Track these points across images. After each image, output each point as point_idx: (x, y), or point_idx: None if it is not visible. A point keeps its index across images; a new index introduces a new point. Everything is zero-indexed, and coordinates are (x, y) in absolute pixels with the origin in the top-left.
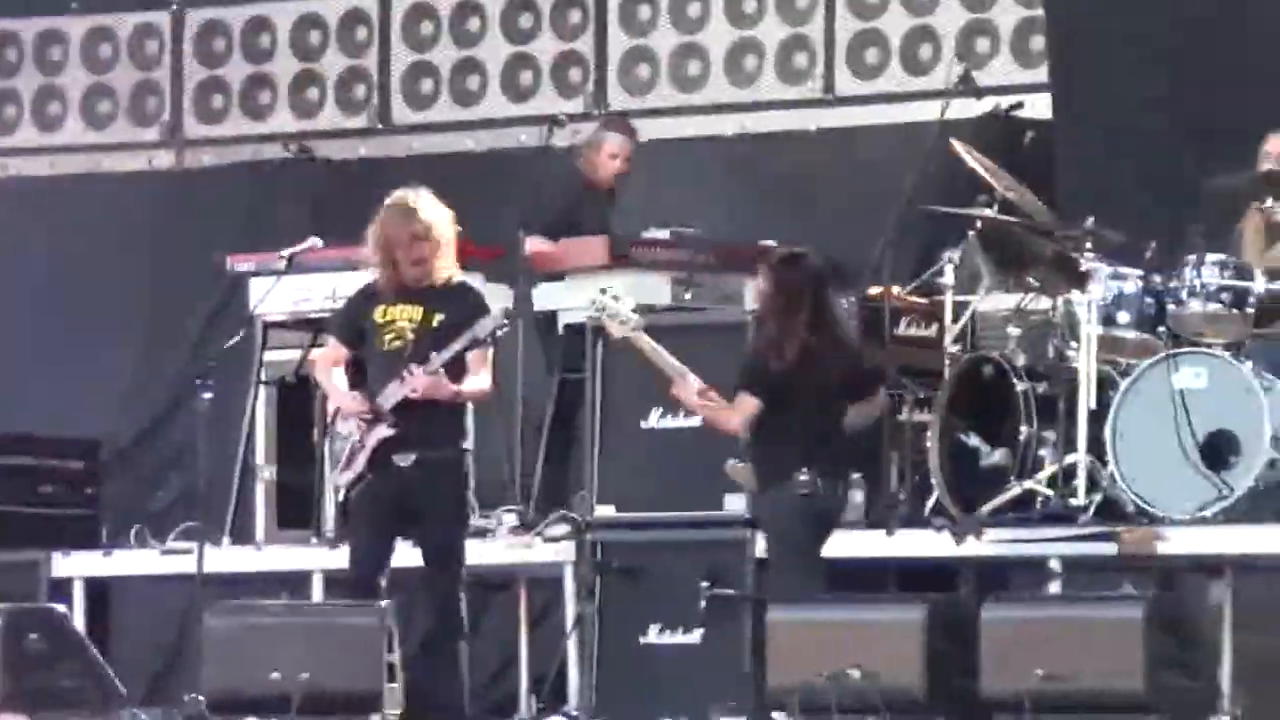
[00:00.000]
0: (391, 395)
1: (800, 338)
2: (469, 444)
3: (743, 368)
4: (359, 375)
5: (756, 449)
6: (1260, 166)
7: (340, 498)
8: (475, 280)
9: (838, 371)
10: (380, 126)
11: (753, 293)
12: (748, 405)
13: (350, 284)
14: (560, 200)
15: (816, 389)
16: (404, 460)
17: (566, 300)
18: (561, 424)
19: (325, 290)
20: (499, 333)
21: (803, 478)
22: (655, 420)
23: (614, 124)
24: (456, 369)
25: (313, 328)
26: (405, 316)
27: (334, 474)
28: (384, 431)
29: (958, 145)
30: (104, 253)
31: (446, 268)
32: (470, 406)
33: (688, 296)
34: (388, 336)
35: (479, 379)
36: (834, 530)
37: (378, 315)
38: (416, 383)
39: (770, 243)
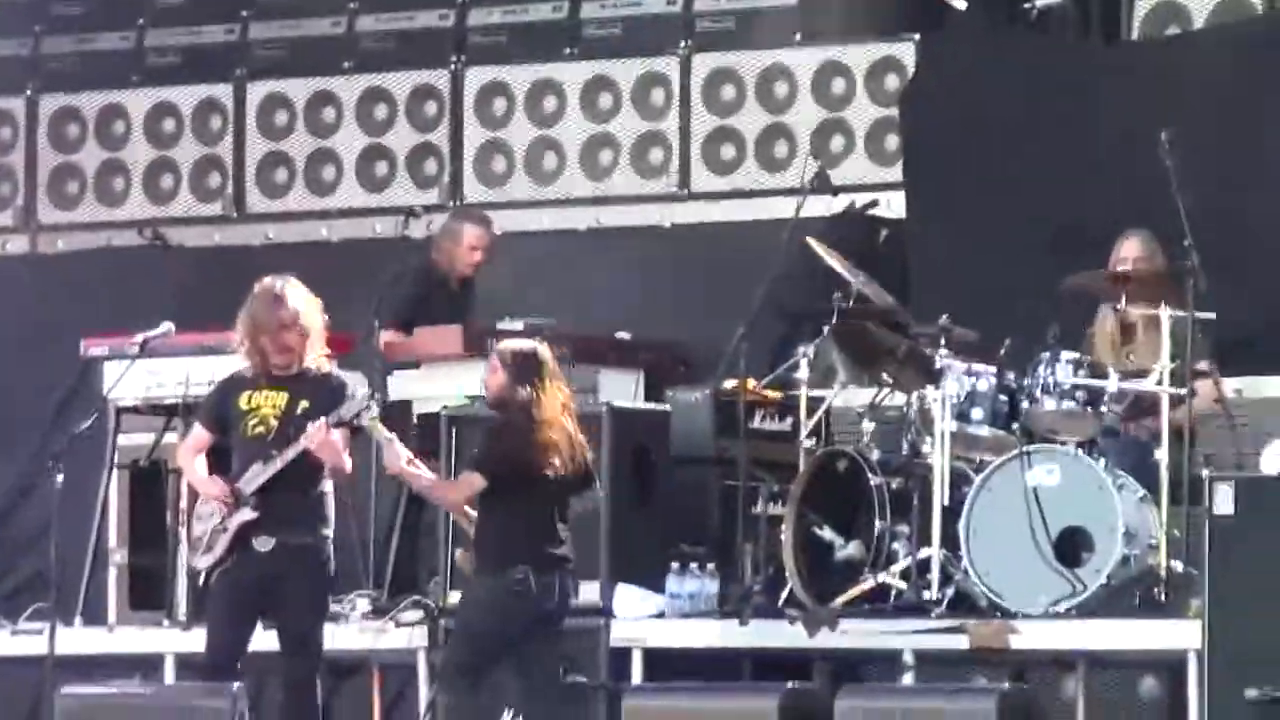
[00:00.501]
0: (253, 480)
1: (533, 427)
2: (329, 530)
3: (477, 448)
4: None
5: (479, 534)
6: (1114, 267)
7: (200, 581)
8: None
9: (568, 464)
10: (235, 215)
11: (487, 380)
12: (471, 483)
13: (203, 370)
14: (414, 290)
15: (544, 480)
16: (264, 545)
17: (421, 390)
18: (416, 511)
19: (178, 375)
20: (365, 415)
21: (518, 575)
22: None
23: (471, 215)
24: (314, 458)
25: (166, 413)
26: (270, 403)
27: (195, 557)
28: (245, 516)
29: (813, 242)
30: None
31: (314, 356)
32: (330, 495)
33: None
34: (251, 423)
35: (346, 459)
36: (548, 629)
37: (243, 402)
38: (312, 435)
39: (624, 335)
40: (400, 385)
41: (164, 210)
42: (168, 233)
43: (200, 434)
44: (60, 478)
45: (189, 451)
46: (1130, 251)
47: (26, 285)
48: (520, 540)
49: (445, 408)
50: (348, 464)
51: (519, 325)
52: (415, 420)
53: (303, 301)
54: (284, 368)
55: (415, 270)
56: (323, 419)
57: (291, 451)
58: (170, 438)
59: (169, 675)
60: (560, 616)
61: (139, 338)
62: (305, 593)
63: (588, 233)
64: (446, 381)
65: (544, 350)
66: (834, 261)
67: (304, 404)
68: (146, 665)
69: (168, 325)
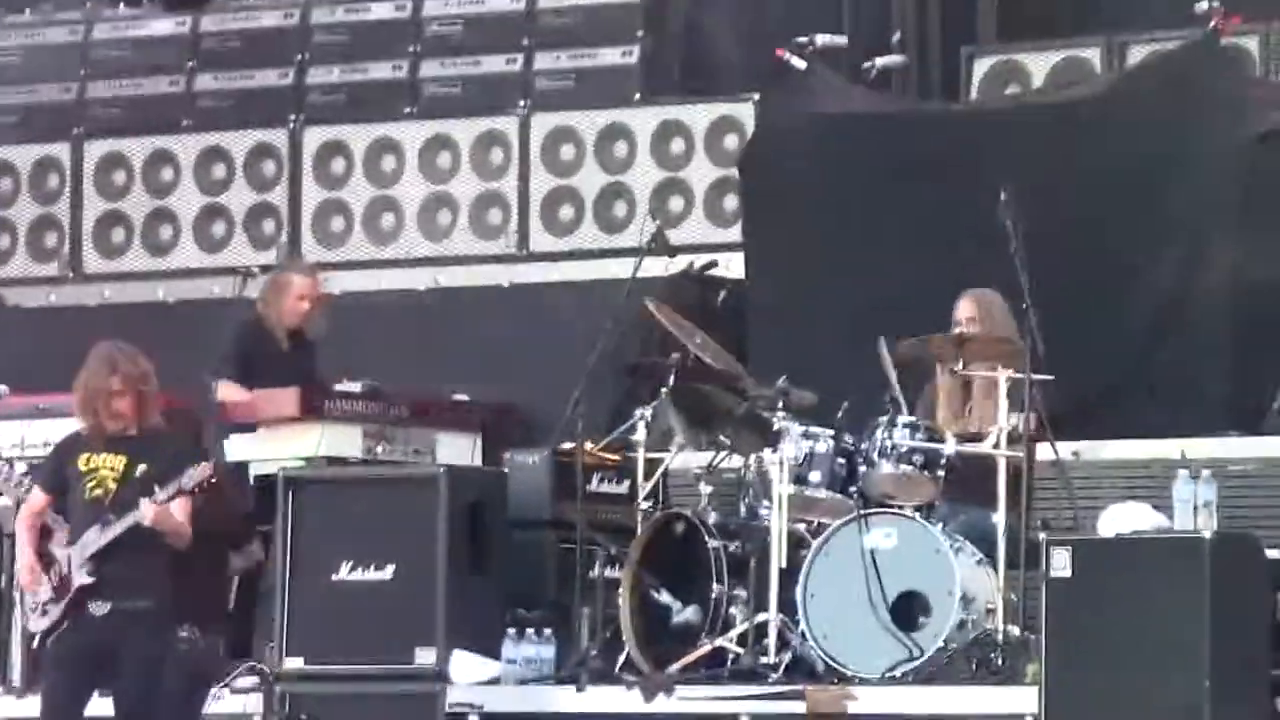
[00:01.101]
0: (91, 543)
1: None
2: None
3: None
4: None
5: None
6: (952, 329)
7: (35, 645)
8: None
9: (225, 519)
10: (71, 275)
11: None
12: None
13: (38, 432)
14: (245, 346)
15: (205, 536)
16: (99, 609)
17: (258, 452)
18: (250, 575)
19: (12, 438)
20: (206, 484)
21: (184, 634)
22: (345, 573)
23: (296, 265)
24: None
25: None
26: (108, 465)
27: (31, 621)
28: (82, 579)
29: (650, 305)
30: None
31: (151, 419)
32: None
33: (379, 450)
34: (89, 484)
35: (185, 525)
36: (209, 687)
37: (81, 463)
38: (146, 513)
39: (462, 397)
40: (237, 446)
41: (0, 270)
42: (3, 293)
43: (37, 498)
44: None
45: (25, 518)
46: (965, 312)
47: None
48: (186, 596)
49: (283, 469)
50: (187, 533)
51: (357, 387)
52: (253, 481)
53: (137, 367)
54: (119, 431)
55: (243, 325)
56: (154, 497)
57: (127, 521)
58: (3, 500)
59: None
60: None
61: None
62: (141, 657)
63: (426, 292)
64: (284, 443)
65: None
66: (671, 324)
67: (143, 466)
68: None
69: (1, 387)
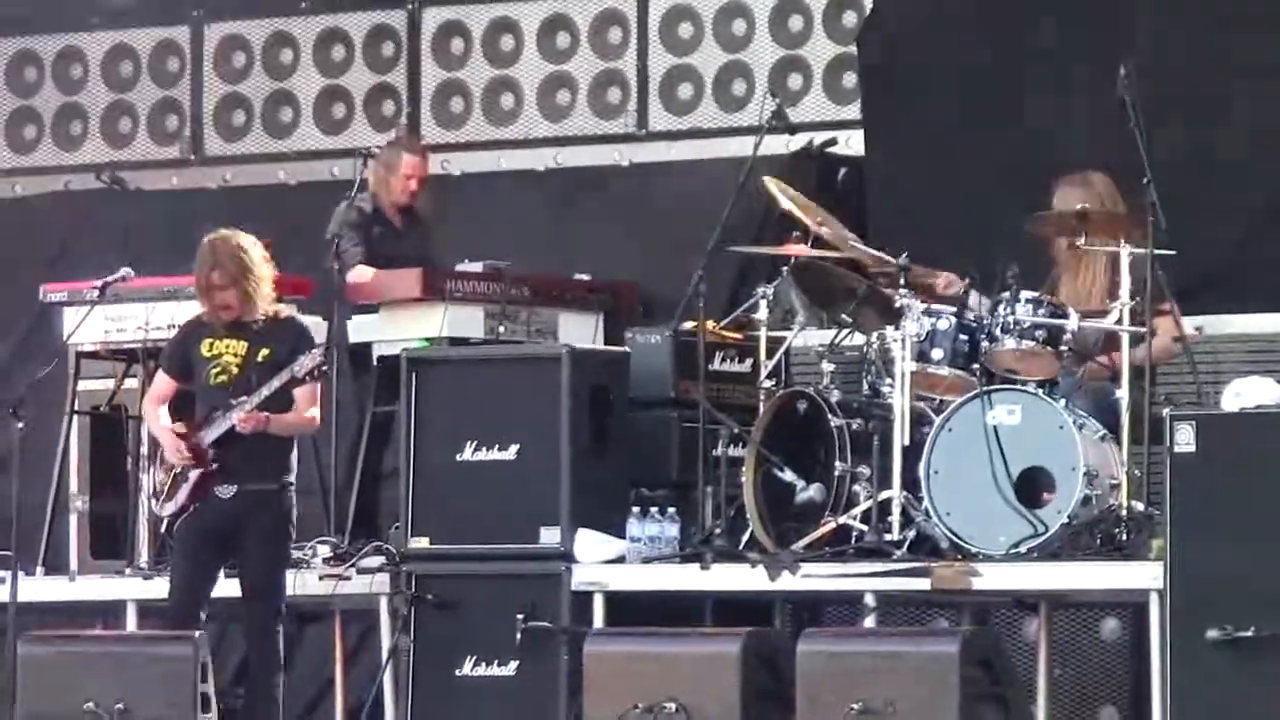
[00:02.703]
0: (215, 429)
1: None
2: (292, 478)
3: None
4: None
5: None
6: (1067, 206)
7: (163, 529)
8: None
9: None
10: (193, 158)
11: None
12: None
13: (163, 314)
14: (360, 229)
15: None
16: (225, 492)
17: (380, 333)
18: (376, 456)
19: (138, 320)
20: (317, 371)
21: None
22: (469, 453)
23: (401, 143)
24: (283, 402)
25: (126, 357)
26: (230, 351)
27: (157, 505)
28: (207, 464)
29: (769, 184)
30: None
31: (266, 304)
32: (295, 441)
33: (501, 330)
34: (213, 371)
35: (305, 414)
36: None
37: (204, 349)
38: (235, 421)
39: (583, 276)
40: (360, 328)
41: (122, 154)
42: (126, 176)
43: (164, 382)
44: (19, 425)
45: (152, 400)
46: (1097, 185)
47: None
48: None
49: (405, 350)
50: (309, 419)
51: (477, 266)
52: (376, 362)
53: (241, 258)
54: (231, 319)
55: (357, 207)
56: (244, 403)
57: (243, 408)
58: (130, 383)
59: (131, 623)
60: None
61: (98, 282)
62: (265, 538)
63: (546, 173)
64: (406, 324)
65: None
66: (791, 203)
67: (264, 352)
68: (108, 613)
69: (126, 269)
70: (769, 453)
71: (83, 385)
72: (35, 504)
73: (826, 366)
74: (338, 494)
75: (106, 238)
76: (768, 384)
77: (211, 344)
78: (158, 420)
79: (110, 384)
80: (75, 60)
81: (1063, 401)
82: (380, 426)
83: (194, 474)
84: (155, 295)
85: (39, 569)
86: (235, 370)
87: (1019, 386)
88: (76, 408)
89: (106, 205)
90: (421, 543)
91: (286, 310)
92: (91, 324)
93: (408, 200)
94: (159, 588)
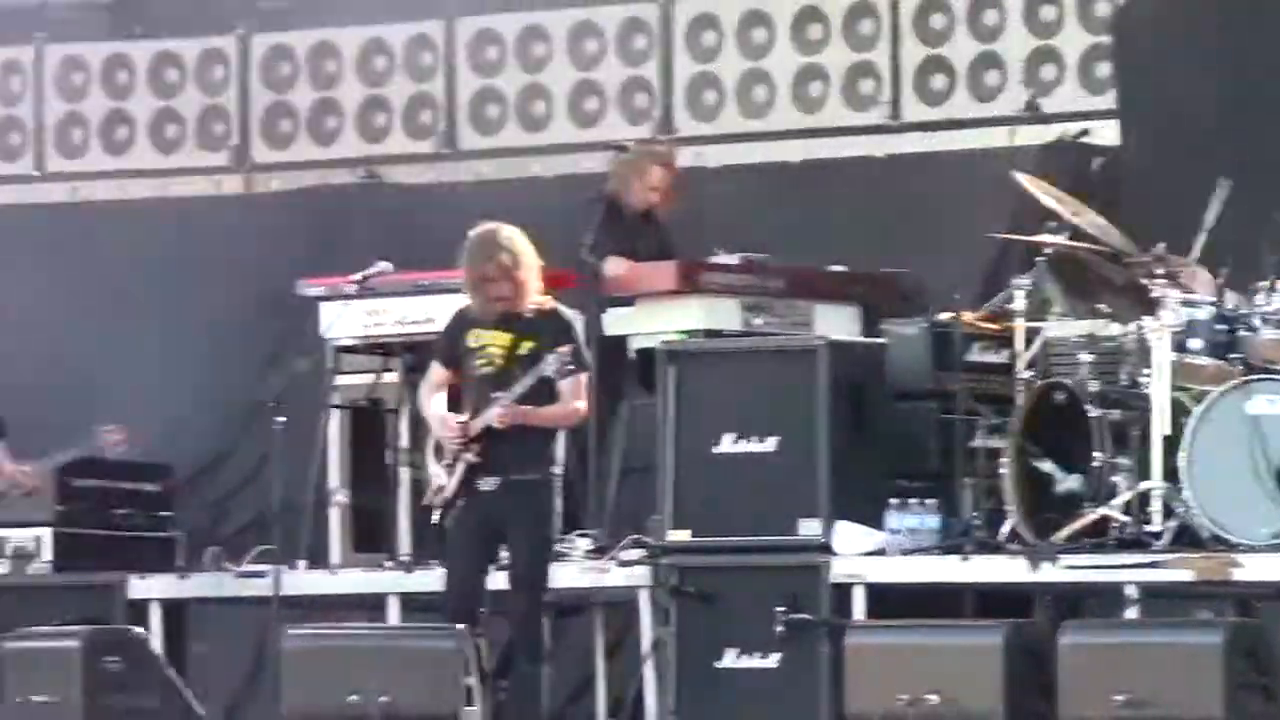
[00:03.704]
0: (480, 421)
1: None
2: (556, 469)
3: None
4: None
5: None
6: None
7: (434, 520)
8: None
9: None
10: (447, 151)
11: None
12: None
13: (420, 308)
14: (610, 223)
15: None
16: (488, 484)
17: (637, 325)
18: (633, 449)
19: (396, 314)
20: (563, 368)
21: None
22: (728, 445)
23: (654, 152)
24: (548, 394)
25: (384, 351)
26: (496, 343)
27: (427, 497)
28: (473, 456)
29: (1020, 178)
30: (173, 276)
31: (533, 297)
32: (559, 433)
33: (757, 321)
34: (479, 362)
35: (570, 405)
36: None
37: (471, 340)
38: (494, 415)
39: (839, 268)
40: (615, 321)
41: (377, 149)
42: (381, 170)
43: (438, 372)
44: (280, 420)
45: (428, 389)
46: None
47: (241, 225)
48: None
49: (662, 342)
50: (575, 411)
51: (733, 259)
52: (632, 355)
53: (512, 251)
54: (502, 311)
55: (605, 200)
56: (501, 399)
57: (501, 403)
58: (389, 377)
59: (393, 616)
60: None
61: (356, 277)
62: (528, 528)
63: (800, 165)
64: (660, 317)
65: None
66: (1045, 194)
67: (529, 344)
68: (370, 606)
69: (384, 264)
70: (1028, 443)
71: (342, 380)
72: (296, 498)
73: (1084, 357)
74: (597, 487)
75: (362, 232)
76: (1025, 375)
77: (478, 335)
78: (430, 406)
79: (369, 378)
80: (330, 55)
81: None
82: (637, 419)
83: (461, 466)
84: (412, 289)
85: (301, 563)
86: (500, 362)
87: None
88: (336, 402)
89: (363, 200)
90: (682, 535)
91: (552, 303)
92: (350, 318)
93: (651, 198)
94: (421, 581)
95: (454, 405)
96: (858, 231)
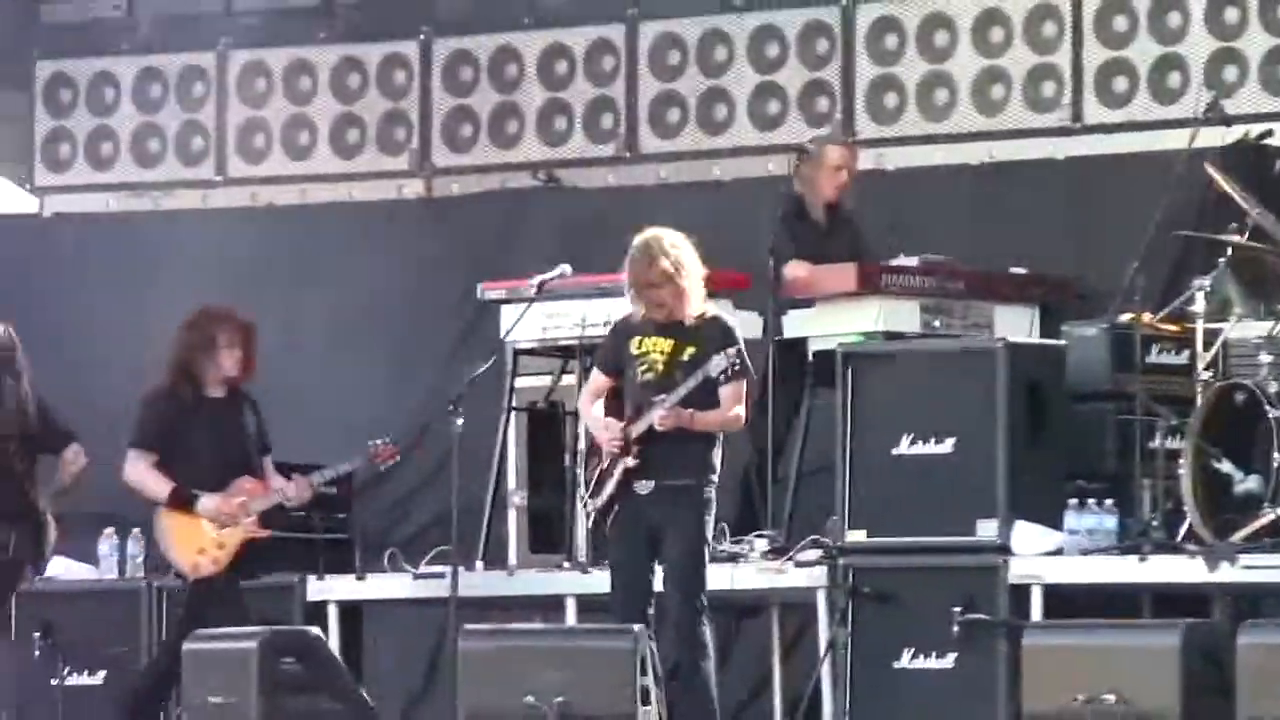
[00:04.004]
0: (639, 425)
1: None
2: (714, 475)
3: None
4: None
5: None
6: None
7: (589, 523)
8: (723, 308)
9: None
10: (628, 155)
11: None
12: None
13: (599, 311)
14: (794, 226)
15: None
16: (643, 488)
17: (816, 327)
18: (812, 451)
19: (575, 317)
20: (731, 371)
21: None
22: (905, 446)
23: (831, 140)
24: (710, 400)
25: (562, 354)
26: (657, 349)
27: (586, 500)
28: (629, 461)
29: (1212, 169)
30: (353, 280)
31: (695, 304)
32: (719, 438)
33: (936, 323)
34: (640, 368)
35: (730, 411)
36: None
37: (633, 347)
38: (657, 420)
39: (1018, 270)
40: (795, 323)
41: (558, 151)
42: (561, 174)
43: (598, 379)
44: (460, 421)
45: (588, 395)
46: None
47: (421, 229)
48: None
49: (841, 344)
50: (732, 418)
51: (912, 261)
52: (810, 358)
53: (676, 257)
54: (665, 318)
55: (785, 204)
56: (665, 401)
57: (663, 406)
58: (567, 379)
59: (570, 617)
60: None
61: (536, 280)
62: (684, 534)
63: (980, 168)
64: (841, 319)
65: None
66: (1232, 190)
67: (690, 350)
68: (547, 607)
69: (564, 267)
70: (1207, 444)
71: (520, 382)
72: (474, 500)
73: (1264, 358)
74: (775, 488)
75: (543, 235)
76: (1205, 376)
77: (640, 341)
78: (591, 412)
79: (547, 380)
80: (511, 59)
81: None
82: (815, 420)
83: (618, 470)
84: (592, 292)
85: (479, 563)
86: (661, 368)
87: None
88: (514, 404)
89: (543, 203)
90: (859, 536)
91: (714, 310)
92: (529, 321)
93: (834, 197)
94: (598, 582)
95: (610, 414)
96: (1037, 233)
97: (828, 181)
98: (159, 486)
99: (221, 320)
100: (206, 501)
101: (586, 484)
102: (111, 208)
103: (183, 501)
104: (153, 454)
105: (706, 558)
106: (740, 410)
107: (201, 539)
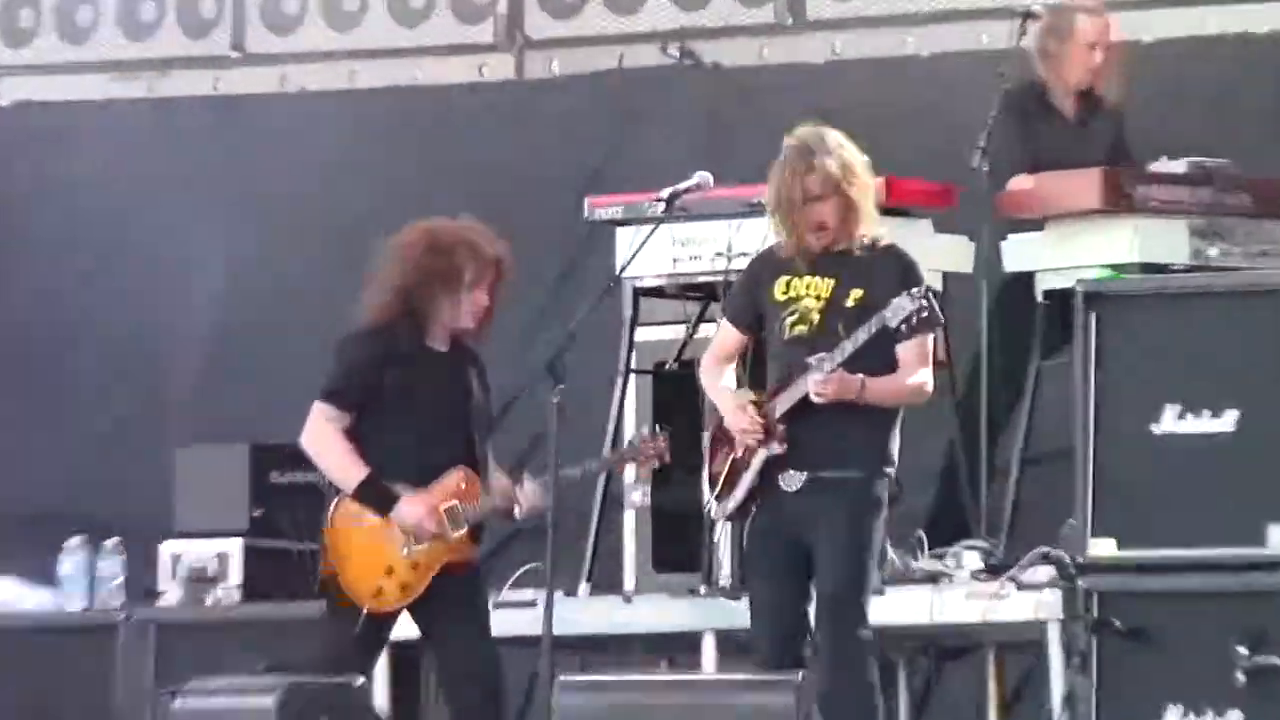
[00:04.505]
0: (789, 396)
1: None
2: (891, 466)
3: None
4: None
5: None
6: None
7: (716, 535)
8: (921, 231)
9: None
10: (790, 22)
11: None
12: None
13: (751, 236)
14: (1019, 124)
15: None
16: (791, 482)
17: (1047, 258)
18: (1041, 430)
19: (718, 244)
20: (917, 319)
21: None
22: (1171, 423)
23: (1078, 4)
24: (882, 363)
25: (701, 295)
26: (812, 293)
27: (712, 502)
28: (775, 448)
29: None
30: (414, 193)
31: (866, 229)
32: (899, 416)
33: (1213, 252)
34: (789, 320)
35: (912, 377)
36: None
37: (778, 291)
38: (813, 387)
39: None
40: (1018, 252)
41: (695, 17)
42: (700, 47)
43: (729, 335)
44: (559, 388)
45: (714, 359)
46: None
47: (509, 122)
48: None
49: (1080, 281)
50: (921, 385)
51: (1180, 166)
52: (1041, 298)
53: (843, 161)
54: (825, 248)
55: (1015, 92)
56: (824, 364)
57: (822, 369)
58: (707, 330)
59: (708, 659)
60: None
61: (664, 193)
62: (840, 541)
63: (1271, 36)
64: (1082, 247)
65: None
66: None
67: (857, 293)
68: (678, 647)
69: (702, 175)
70: None
71: (643, 334)
72: (578, 497)
73: None
74: (991, 482)
75: (674, 132)
76: None
77: (789, 283)
78: (716, 384)
79: (680, 332)
80: None
81: None
82: (1045, 385)
83: (757, 460)
84: (741, 209)
85: (583, 585)
86: (817, 319)
87: None
88: (635, 365)
89: (675, 87)
90: (1106, 547)
91: (890, 238)
92: (655, 250)
93: (1088, 79)
94: (747, 613)
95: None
96: None
97: (1078, 61)
98: (347, 466)
99: (474, 247)
100: (408, 507)
101: (713, 481)
102: (92, 94)
103: (378, 497)
104: (347, 414)
105: (872, 577)
106: (928, 375)
107: (390, 555)
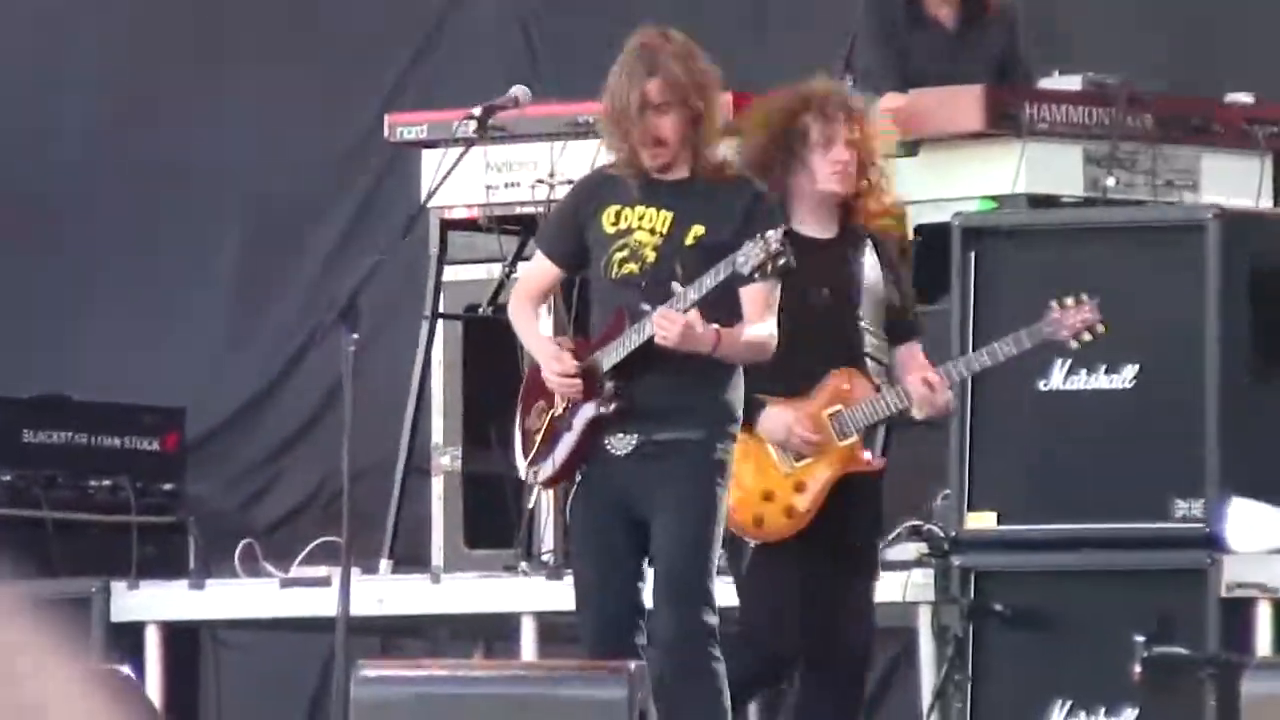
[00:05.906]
0: (618, 347)
1: None
2: (735, 425)
3: None
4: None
5: None
6: None
7: (530, 504)
8: None
9: None
10: None
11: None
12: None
13: (577, 159)
14: (885, 24)
15: None
16: (621, 445)
17: (919, 187)
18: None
19: (538, 169)
20: (773, 264)
21: None
22: (1060, 379)
23: None
24: (722, 312)
25: (519, 228)
26: (646, 225)
27: (524, 465)
28: (606, 404)
29: None
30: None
31: (714, 150)
32: (741, 372)
33: (1111, 182)
34: (618, 256)
35: (756, 327)
36: None
37: (606, 221)
38: (660, 329)
39: (1242, 97)
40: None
41: None
42: None
43: (543, 268)
44: (352, 336)
45: (524, 297)
46: None
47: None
48: None
49: (958, 215)
50: (763, 339)
51: (1074, 82)
52: (912, 234)
53: (690, 64)
54: (663, 170)
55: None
56: (678, 300)
57: (674, 310)
58: (527, 268)
59: (528, 647)
60: None
61: (476, 109)
62: (682, 510)
63: None
64: (959, 175)
65: None
66: None
67: (698, 230)
68: (493, 632)
69: (519, 89)
70: None
71: (451, 273)
72: (378, 460)
73: None
74: None
75: (484, 34)
76: None
77: (619, 212)
78: (532, 326)
79: (495, 270)
80: None
81: None
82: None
83: (580, 419)
84: (566, 129)
85: (384, 562)
86: (651, 256)
87: None
88: (443, 308)
89: None
90: (984, 520)
91: (736, 164)
92: (466, 176)
93: None
94: (572, 595)
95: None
96: (1273, 45)
97: None
98: None
99: (819, 97)
100: (774, 415)
101: (526, 440)
102: None
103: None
104: None
105: (715, 552)
106: (774, 326)
107: (770, 476)
